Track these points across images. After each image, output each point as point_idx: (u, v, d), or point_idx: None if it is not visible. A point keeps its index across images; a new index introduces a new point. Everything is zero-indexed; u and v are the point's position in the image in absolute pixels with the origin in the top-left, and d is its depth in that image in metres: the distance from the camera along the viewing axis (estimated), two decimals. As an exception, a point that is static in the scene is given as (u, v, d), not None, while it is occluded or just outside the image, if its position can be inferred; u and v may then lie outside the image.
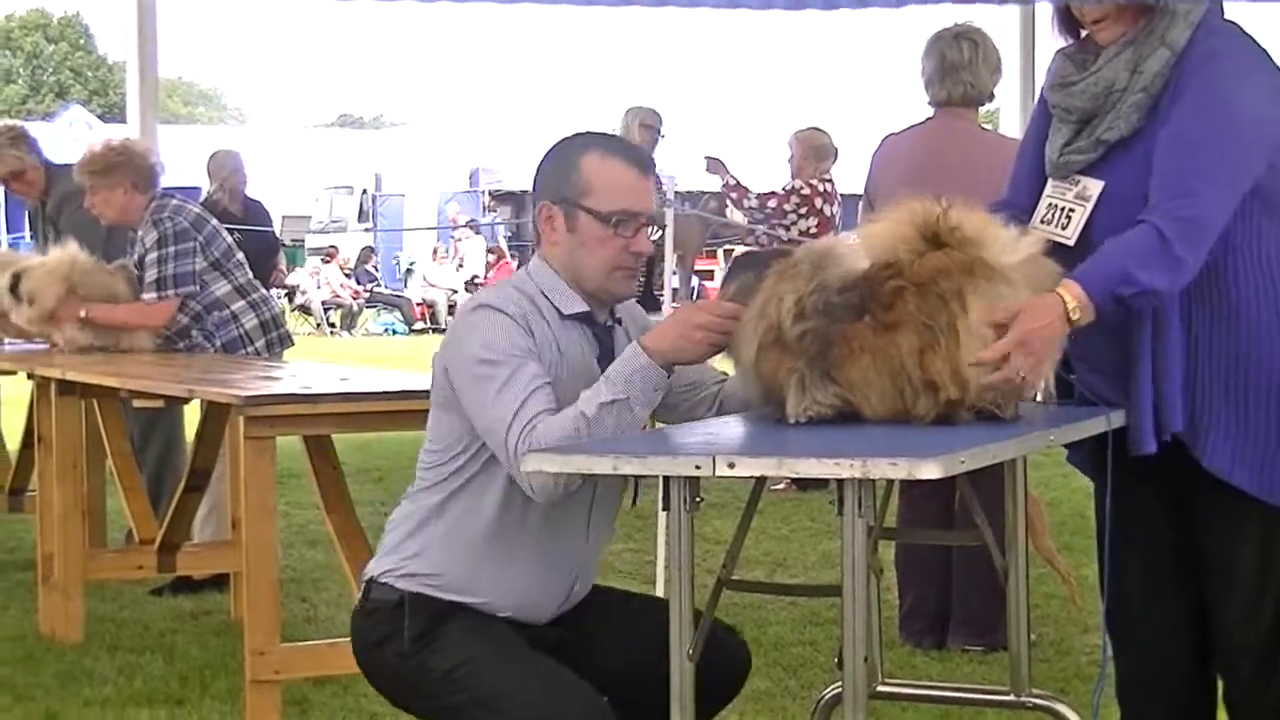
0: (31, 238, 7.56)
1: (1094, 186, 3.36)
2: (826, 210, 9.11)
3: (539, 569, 3.36)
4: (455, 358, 3.26)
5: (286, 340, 6.60)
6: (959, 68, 5.45)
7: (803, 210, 8.98)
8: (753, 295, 3.16)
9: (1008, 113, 9.70)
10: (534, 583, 3.36)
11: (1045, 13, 4.08)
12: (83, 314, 6.34)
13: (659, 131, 9.28)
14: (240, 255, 6.52)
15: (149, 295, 6.29)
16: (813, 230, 8.79)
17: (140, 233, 6.36)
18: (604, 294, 3.37)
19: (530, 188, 3.48)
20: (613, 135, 3.54)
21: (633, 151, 3.44)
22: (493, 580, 3.33)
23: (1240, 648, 3.46)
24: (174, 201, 6.43)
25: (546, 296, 3.32)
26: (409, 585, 3.34)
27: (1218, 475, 3.35)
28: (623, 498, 3.52)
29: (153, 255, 6.25)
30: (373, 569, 3.42)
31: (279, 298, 7.14)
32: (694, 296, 9.83)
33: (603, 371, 3.22)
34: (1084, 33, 3.46)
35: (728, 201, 9.17)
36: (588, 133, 3.48)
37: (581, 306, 3.35)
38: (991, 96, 5.55)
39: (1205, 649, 3.54)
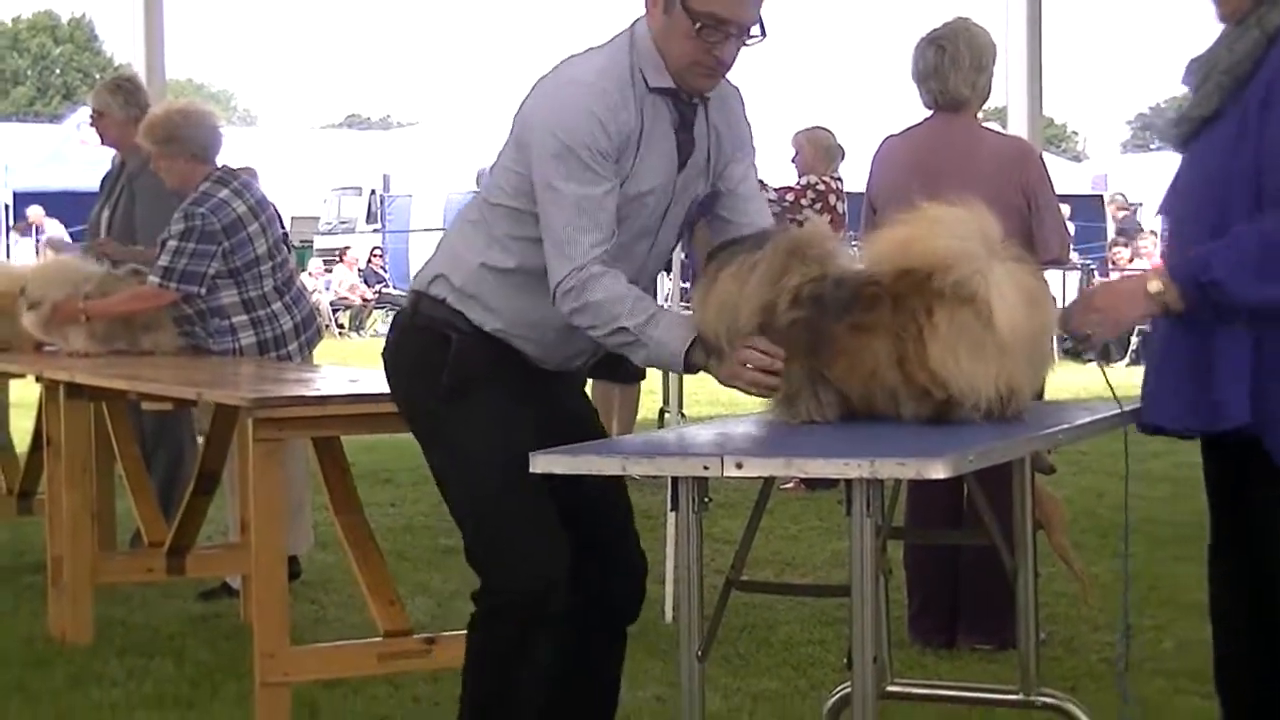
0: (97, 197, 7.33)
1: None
2: (839, 207, 9.19)
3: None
4: (538, 129, 3.36)
5: (288, 360, 6.32)
6: (927, 75, 5.44)
7: (817, 206, 9.04)
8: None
9: (1015, 109, 9.69)
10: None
11: (1051, 9, 4.07)
12: (83, 315, 6.36)
13: None
14: (268, 266, 6.29)
15: (152, 278, 6.24)
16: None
17: (177, 213, 6.23)
18: (680, 81, 3.39)
19: None
20: None
21: None
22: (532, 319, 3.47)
23: None
24: (222, 194, 6.23)
25: (640, 69, 3.36)
26: (456, 305, 3.50)
27: None
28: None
29: (172, 244, 6.16)
30: (425, 281, 3.56)
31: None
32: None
33: (678, 141, 3.38)
34: None
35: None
36: None
37: (668, 83, 3.38)
38: (967, 99, 5.44)
39: None
